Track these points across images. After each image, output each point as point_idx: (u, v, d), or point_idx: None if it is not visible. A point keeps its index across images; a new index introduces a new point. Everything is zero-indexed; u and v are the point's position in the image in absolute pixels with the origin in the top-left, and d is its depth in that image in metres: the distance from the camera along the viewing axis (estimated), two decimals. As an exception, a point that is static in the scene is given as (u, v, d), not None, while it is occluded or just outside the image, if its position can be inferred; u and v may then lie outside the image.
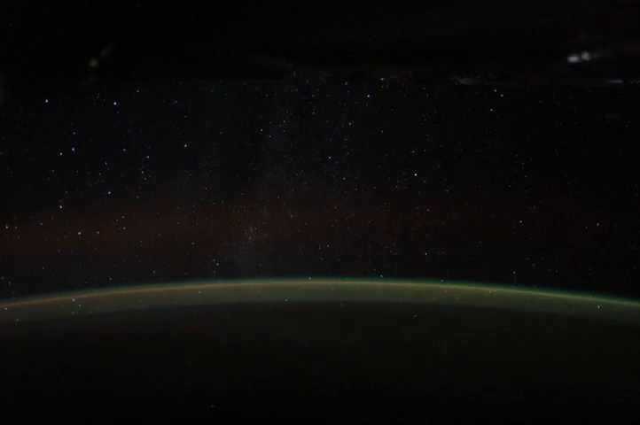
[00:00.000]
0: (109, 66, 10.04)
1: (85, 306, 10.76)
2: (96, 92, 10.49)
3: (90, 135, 10.69)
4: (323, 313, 11.10)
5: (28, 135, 10.28)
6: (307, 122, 11.43)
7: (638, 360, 8.69)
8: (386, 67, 10.65)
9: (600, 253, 11.14)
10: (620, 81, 10.19)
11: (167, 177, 11.41)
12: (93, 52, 9.86)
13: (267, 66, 10.68)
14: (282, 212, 11.79)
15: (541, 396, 7.61)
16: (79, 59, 9.97)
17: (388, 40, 9.85)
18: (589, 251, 11.17)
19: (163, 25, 9.51)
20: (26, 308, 10.55)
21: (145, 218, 11.41)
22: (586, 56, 9.76)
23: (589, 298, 11.10)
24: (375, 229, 11.90)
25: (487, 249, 11.64)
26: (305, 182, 11.75)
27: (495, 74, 10.46)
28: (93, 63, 9.86)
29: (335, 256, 11.92)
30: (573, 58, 9.87)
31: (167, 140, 11.35)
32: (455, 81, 10.63)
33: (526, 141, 11.24)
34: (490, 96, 10.98)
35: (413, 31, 9.69)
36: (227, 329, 10.33)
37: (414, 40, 9.84)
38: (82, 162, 10.84)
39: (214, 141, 11.49)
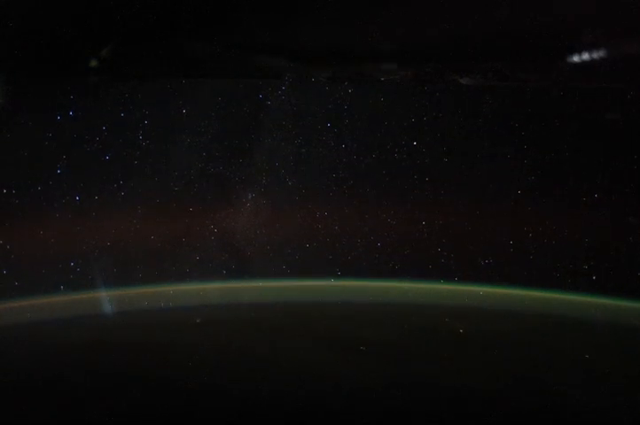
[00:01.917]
0: (109, 66, 10.06)
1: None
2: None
3: (89, 99, 10.60)
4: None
5: (26, 100, 10.23)
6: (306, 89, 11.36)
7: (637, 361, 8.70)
8: (387, 67, 10.65)
9: (600, 252, 11.15)
10: (620, 81, 10.19)
11: (165, 142, 11.38)
12: (93, 52, 9.86)
13: (267, 66, 10.69)
14: (280, 178, 11.82)
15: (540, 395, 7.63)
16: (79, 59, 9.99)
17: (388, 40, 9.85)
18: (588, 250, 11.18)
19: (163, 25, 9.51)
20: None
21: (143, 183, 11.42)
22: (586, 56, 9.75)
23: (589, 299, 11.12)
24: (373, 197, 11.96)
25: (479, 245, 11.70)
26: (304, 150, 11.79)
27: (495, 74, 10.46)
28: (93, 63, 9.87)
29: (333, 223, 11.96)
30: (573, 58, 9.87)
31: (165, 105, 11.34)
32: (455, 81, 10.64)
33: (526, 140, 11.24)
34: (490, 96, 10.99)
35: (413, 31, 9.68)
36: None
37: (414, 40, 9.84)
38: (80, 127, 10.81)
39: (213, 106, 11.45)
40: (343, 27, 9.80)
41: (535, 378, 8.15)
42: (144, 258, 11.49)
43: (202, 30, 9.62)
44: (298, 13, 9.51)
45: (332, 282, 12.00)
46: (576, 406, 7.31)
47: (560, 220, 11.36)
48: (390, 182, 11.87)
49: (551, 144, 11.13)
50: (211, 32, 9.74)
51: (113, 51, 9.75)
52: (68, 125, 10.54)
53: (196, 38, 9.83)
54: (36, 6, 8.68)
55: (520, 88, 10.82)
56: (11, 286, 10.44)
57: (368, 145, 11.69)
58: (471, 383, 7.92)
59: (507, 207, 11.52)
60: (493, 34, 9.74)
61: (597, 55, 9.69)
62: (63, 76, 10.11)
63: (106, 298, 11.01)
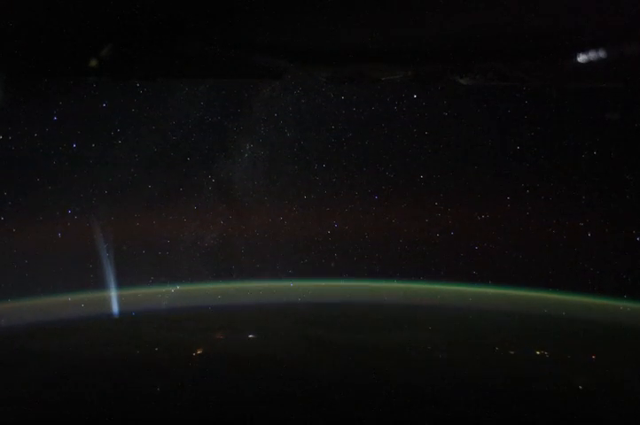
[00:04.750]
0: (109, 66, 10.05)
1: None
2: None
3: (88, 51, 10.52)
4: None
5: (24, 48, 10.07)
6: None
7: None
8: (386, 67, 10.65)
9: (599, 252, 11.15)
10: (620, 81, 10.18)
11: (162, 90, 11.36)
12: (93, 52, 9.85)
13: (267, 66, 10.68)
14: (279, 130, 11.91)
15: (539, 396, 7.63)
16: (79, 59, 9.98)
17: (388, 40, 9.85)
18: (588, 250, 11.18)
19: (163, 25, 9.49)
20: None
21: (141, 132, 11.43)
22: (586, 56, 9.74)
23: (589, 299, 11.12)
24: (371, 150, 12.02)
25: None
26: (303, 100, 11.83)
27: (495, 74, 10.45)
28: (93, 63, 9.86)
29: (331, 176, 12.04)
30: (574, 58, 9.86)
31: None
32: (455, 81, 10.63)
33: (526, 140, 11.25)
34: (490, 96, 11.00)
35: (413, 31, 9.67)
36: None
37: (414, 40, 9.83)
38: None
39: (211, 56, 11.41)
40: (343, 27, 9.79)
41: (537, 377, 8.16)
42: (141, 205, 11.57)
43: (202, 30, 9.61)
44: (298, 13, 9.50)
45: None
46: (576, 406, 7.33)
47: (559, 219, 11.37)
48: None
49: (551, 144, 11.14)
50: (211, 32, 9.73)
51: (113, 51, 9.74)
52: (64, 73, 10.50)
53: (196, 38, 9.82)
54: (36, 6, 8.67)
55: (520, 89, 10.83)
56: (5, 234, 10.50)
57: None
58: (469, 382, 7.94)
59: (506, 207, 11.53)
60: (493, 34, 9.73)
61: (596, 55, 9.69)
62: (63, 76, 10.10)
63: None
